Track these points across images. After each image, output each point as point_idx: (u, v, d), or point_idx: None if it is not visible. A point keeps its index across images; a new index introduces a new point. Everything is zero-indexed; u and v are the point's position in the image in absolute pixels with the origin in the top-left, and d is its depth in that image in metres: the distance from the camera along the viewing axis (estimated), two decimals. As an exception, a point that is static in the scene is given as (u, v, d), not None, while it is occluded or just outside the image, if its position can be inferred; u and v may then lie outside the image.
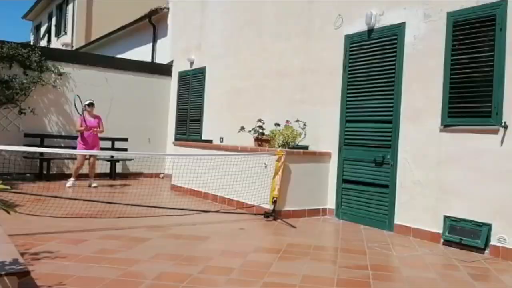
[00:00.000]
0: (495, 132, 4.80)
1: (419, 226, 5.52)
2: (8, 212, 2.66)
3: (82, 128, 8.54)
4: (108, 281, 3.36)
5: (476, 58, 5.00)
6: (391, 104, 5.90)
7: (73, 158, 9.81)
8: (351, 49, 6.55)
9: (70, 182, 8.50)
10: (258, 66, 8.45)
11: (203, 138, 9.87)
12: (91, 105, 8.78)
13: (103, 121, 8.99)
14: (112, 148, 10.40)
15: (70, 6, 21.15)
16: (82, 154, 8.53)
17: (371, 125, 6.16)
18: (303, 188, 6.54)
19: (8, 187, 2.69)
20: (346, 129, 6.52)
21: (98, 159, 10.05)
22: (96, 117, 8.84)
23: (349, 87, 6.53)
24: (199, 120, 10.24)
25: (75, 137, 9.96)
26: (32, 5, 25.74)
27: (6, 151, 7.92)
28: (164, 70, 11.50)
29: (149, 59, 13.42)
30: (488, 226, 4.83)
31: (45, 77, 9.55)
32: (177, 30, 11.59)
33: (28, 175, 9.27)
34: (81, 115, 8.60)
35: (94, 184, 8.73)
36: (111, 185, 9.17)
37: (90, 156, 8.77)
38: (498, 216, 4.76)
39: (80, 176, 8.81)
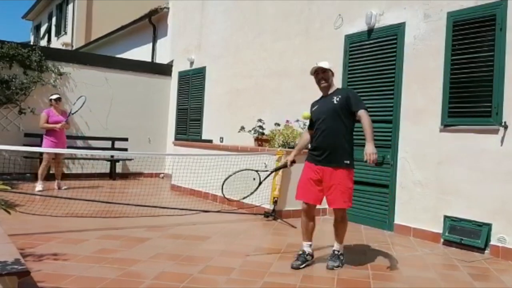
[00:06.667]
0: (495, 132, 4.80)
1: (419, 226, 5.52)
2: (8, 212, 2.66)
3: (48, 125, 7.90)
4: (108, 281, 3.37)
5: (476, 58, 5.00)
6: (391, 104, 5.90)
7: (73, 158, 9.83)
8: (351, 49, 6.55)
9: (40, 186, 7.71)
10: (258, 66, 8.45)
11: (203, 138, 9.87)
12: (58, 99, 8.22)
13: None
14: (112, 148, 10.39)
15: (70, 6, 21.15)
16: (50, 152, 7.78)
17: (371, 125, 6.15)
18: (303, 188, 6.52)
19: (8, 187, 2.69)
20: (346, 129, 6.50)
21: (98, 159, 10.09)
22: (63, 112, 8.27)
23: (349, 87, 6.52)
24: (199, 120, 10.25)
25: (75, 137, 9.99)
26: (32, 5, 25.75)
27: (6, 151, 7.93)
28: (164, 70, 11.50)
29: (149, 59, 13.42)
30: (488, 226, 4.83)
31: (45, 77, 9.55)
32: (177, 30, 11.58)
33: (28, 175, 9.26)
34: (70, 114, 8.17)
35: (64, 187, 8.13)
36: (111, 185, 9.16)
37: (56, 154, 8.06)
38: (498, 216, 4.76)
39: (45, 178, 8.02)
